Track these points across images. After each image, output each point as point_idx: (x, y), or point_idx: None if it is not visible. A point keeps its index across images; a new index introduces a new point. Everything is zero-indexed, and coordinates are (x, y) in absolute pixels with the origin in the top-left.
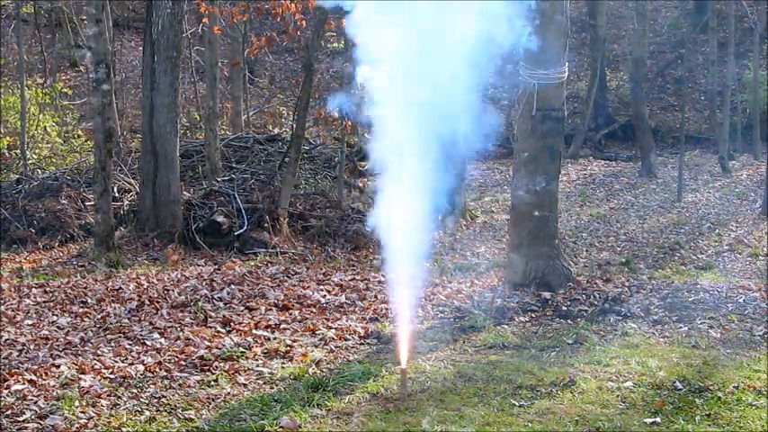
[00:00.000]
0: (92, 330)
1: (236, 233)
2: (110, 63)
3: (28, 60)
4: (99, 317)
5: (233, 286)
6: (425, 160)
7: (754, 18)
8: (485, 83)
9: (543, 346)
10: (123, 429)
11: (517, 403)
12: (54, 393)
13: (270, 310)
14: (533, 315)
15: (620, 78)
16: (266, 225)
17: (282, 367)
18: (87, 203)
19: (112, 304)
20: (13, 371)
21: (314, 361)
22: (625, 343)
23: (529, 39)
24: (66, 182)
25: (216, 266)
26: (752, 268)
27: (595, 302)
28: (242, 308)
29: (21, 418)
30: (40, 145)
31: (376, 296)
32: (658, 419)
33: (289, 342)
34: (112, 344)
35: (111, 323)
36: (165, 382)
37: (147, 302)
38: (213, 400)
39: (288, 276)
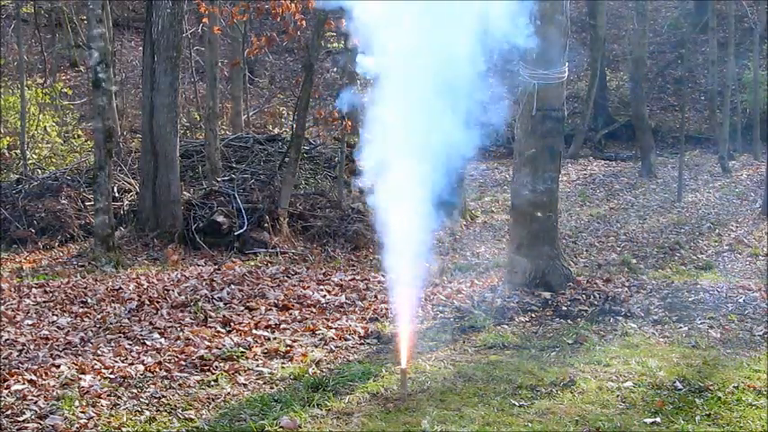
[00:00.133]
0: (92, 330)
1: (236, 233)
2: (110, 63)
3: (28, 60)
4: (99, 317)
5: (233, 286)
6: (426, 160)
7: (754, 18)
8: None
9: (543, 346)
10: (123, 429)
11: (517, 403)
12: (54, 393)
13: (270, 310)
14: (533, 315)
15: (620, 78)
16: (266, 225)
17: (282, 367)
18: (87, 203)
19: (112, 304)
20: (13, 371)
21: (314, 361)
22: (625, 343)
23: (529, 39)
24: (66, 182)
25: (216, 266)
26: (752, 268)
27: (595, 302)
28: (242, 308)
29: (21, 418)
30: (40, 145)
31: (376, 296)
32: (658, 419)
33: (289, 342)
34: (112, 344)
35: (111, 323)
36: (165, 382)
37: (147, 302)
38: (213, 400)
39: (288, 276)
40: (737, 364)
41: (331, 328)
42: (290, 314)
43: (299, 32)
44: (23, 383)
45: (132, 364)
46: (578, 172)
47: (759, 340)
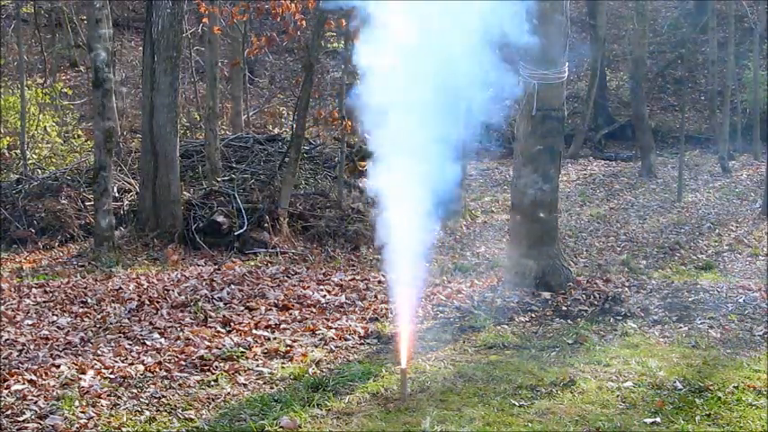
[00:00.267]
0: (92, 330)
1: (236, 233)
2: (110, 63)
3: (28, 60)
4: (99, 317)
5: (233, 286)
6: (426, 160)
7: (754, 18)
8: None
9: (543, 346)
10: (123, 429)
11: (517, 403)
12: (54, 393)
13: (270, 310)
14: (533, 315)
15: (620, 78)
16: (266, 225)
17: (282, 367)
18: (87, 203)
19: (112, 304)
20: (13, 371)
21: (314, 361)
22: (625, 343)
23: (529, 38)
24: (66, 182)
25: (216, 266)
26: (752, 268)
27: (595, 302)
28: (242, 308)
29: (21, 418)
30: (40, 145)
31: (376, 296)
32: (658, 419)
33: (289, 342)
34: (112, 344)
35: (111, 323)
36: (165, 382)
37: (147, 302)
38: (213, 400)
39: (288, 276)
40: (737, 364)
41: (331, 328)
42: (290, 314)
43: (299, 32)
44: (23, 383)
45: (132, 364)
46: (578, 172)
47: (759, 340)
